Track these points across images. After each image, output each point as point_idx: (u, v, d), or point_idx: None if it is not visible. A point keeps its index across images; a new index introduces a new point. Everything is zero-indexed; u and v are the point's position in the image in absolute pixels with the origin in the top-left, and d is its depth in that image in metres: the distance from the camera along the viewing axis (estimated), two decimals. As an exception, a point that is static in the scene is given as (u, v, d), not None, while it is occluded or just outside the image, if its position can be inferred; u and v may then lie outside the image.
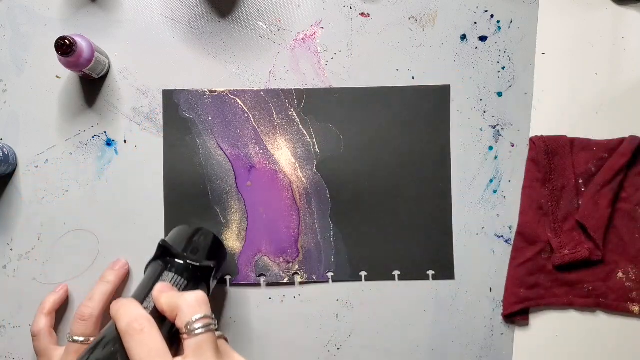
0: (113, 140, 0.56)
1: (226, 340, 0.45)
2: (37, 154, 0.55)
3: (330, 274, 0.56)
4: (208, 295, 0.47)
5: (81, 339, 0.49)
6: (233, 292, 0.56)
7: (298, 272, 0.56)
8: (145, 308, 0.40)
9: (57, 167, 0.55)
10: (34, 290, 0.55)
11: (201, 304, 0.39)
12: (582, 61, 0.57)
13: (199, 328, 0.38)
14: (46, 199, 0.55)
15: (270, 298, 0.56)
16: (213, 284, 0.49)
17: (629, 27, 0.57)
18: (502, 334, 0.56)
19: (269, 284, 0.56)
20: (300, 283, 0.56)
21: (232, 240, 0.55)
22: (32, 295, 0.55)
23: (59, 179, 0.55)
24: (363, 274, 0.56)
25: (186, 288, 0.45)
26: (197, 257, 0.47)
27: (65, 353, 0.49)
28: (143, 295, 0.43)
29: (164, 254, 0.47)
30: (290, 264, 0.56)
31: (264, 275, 0.55)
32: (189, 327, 0.38)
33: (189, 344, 0.37)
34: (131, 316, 0.38)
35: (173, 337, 0.41)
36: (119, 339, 0.38)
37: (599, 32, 0.57)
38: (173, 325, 0.40)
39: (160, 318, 0.40)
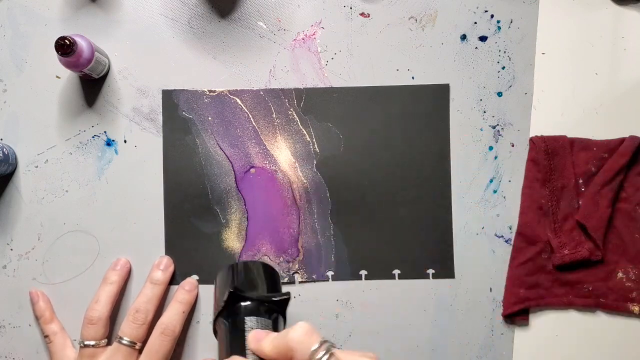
0: (113, 140, 0.56)
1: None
2: (37, 154, 0.55)
3: (330, 273, 0.56)
4: (285, 325, 0.45)
5: (92, 342, 0.50)
6: (233, 292, 0.56)
7: (298, 271, 0.56)
8: None
9: (57, 167, 0.55)
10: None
11: (311, 333, 0.36)
12: (582, 61, 0.57)
13: (323, 356, 0.34)
14: (46, 199, 0.55)
15: (270, 298, 0.56)
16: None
17: (629, 27, 0.57)
18: (502, 334, 0.56)
19: (268, 284, 0.56)
20: (300, 282, 0.56)
21: (232, 240, 0.55)
22: (32, 295, 0.55)
23: (59, 179, 0.55)
24: (363, 273, 0.56)
25: (273, 325, 0.43)
26: (263, 290, 0.45)
27: (80, 357, 0.50)
28: (240, 352, 0.40)
29: (234, 302, 0.44)
30: (291, 264, 0.56)
31: (264, 275, 0.55)
32: None
33: None
34: None
35: None
36: None
37: (599, 32, 0.57)
38: None
39: None
